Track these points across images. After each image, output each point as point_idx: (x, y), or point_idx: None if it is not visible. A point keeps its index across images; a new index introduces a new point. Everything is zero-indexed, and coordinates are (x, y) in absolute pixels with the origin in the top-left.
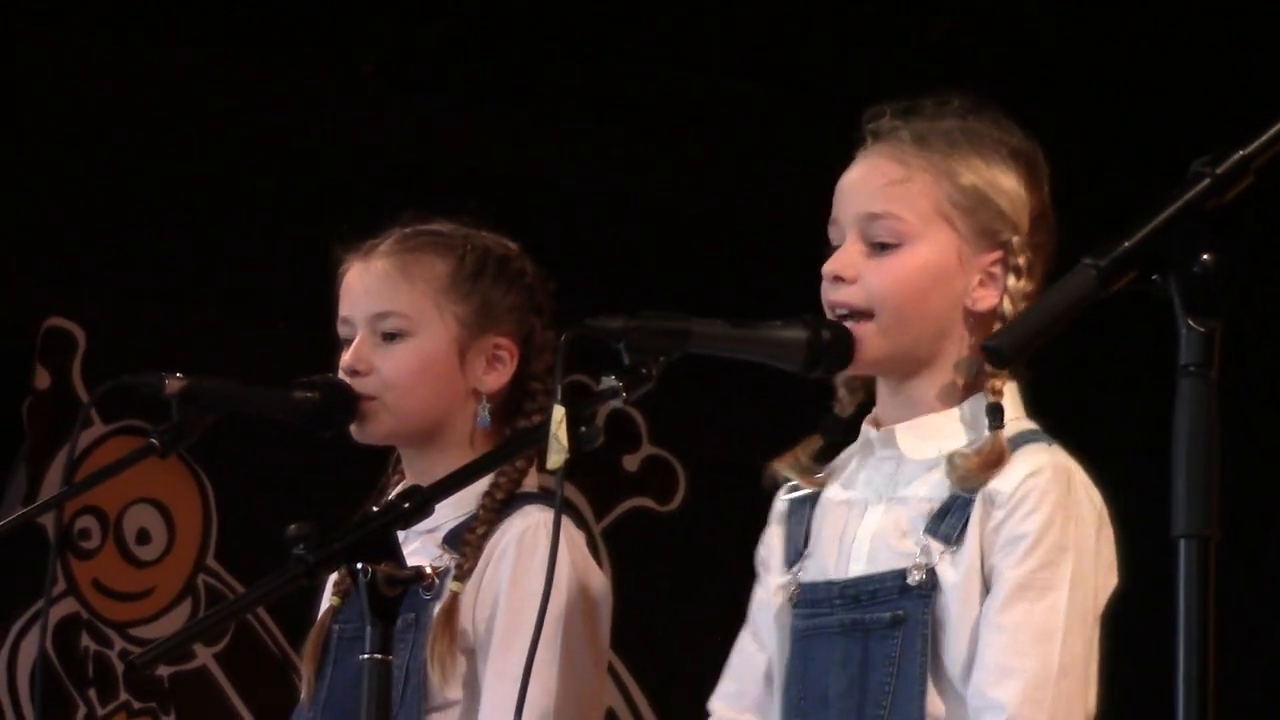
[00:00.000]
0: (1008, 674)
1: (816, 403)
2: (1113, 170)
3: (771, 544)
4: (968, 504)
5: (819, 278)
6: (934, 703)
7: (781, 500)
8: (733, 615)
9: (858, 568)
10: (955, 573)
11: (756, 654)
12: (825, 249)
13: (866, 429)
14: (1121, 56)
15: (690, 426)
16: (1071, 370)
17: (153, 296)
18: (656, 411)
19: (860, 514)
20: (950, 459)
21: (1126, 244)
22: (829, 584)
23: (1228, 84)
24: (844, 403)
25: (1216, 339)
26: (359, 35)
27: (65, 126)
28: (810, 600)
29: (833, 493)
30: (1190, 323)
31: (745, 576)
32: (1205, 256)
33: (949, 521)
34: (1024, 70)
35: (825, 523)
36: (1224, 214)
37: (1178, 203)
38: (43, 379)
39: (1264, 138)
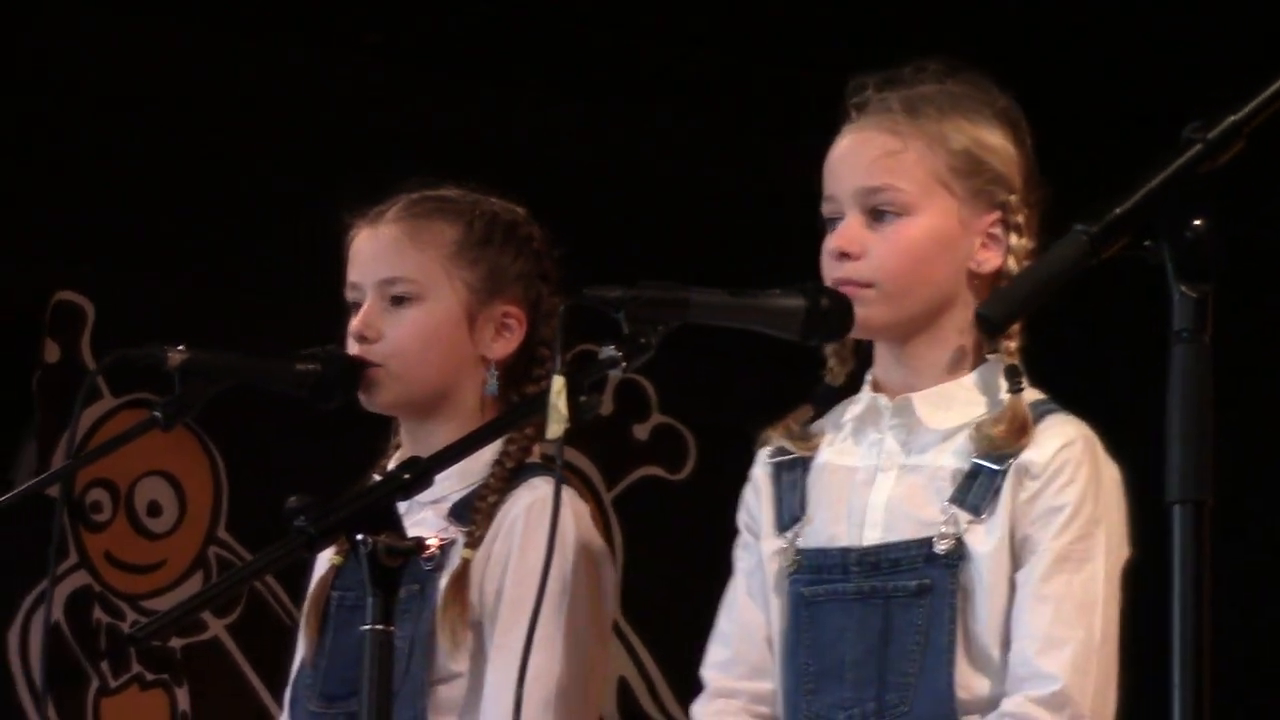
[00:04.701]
0: (1057, 644)
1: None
2: (1103, 137)
3: (757, 507)
4: (995, 474)
5: (817, 246)
6: (964, 672)
7: (765, 464)
8: None
9: (874, 535)
10: (987, 542)
11: (754, 616)
12: (820, 224)
13: (874, 396)
14: (1110, 21)
15: (700, 395)
16: (1064, 337)
17: (162, 270)
18: (666, 380)
19: (869, 481)
20: (978, 428)
21: (1118, 210)
22: (843, 551)
23: (1219, 48)
24: (835, 372)
25: (1209, 304)
26: (362, 6)
27: (74, 102)
28: (816, 567)
29: (829, 457)
30: (1183, 288)
31: None
32: (1197, 222)
33: (976, 491)
34: (1012, 35)
35: (825, 488)
36: (1216, 179)
37: (1170, 168)
38: (52, 353)
39: (1255, 102)
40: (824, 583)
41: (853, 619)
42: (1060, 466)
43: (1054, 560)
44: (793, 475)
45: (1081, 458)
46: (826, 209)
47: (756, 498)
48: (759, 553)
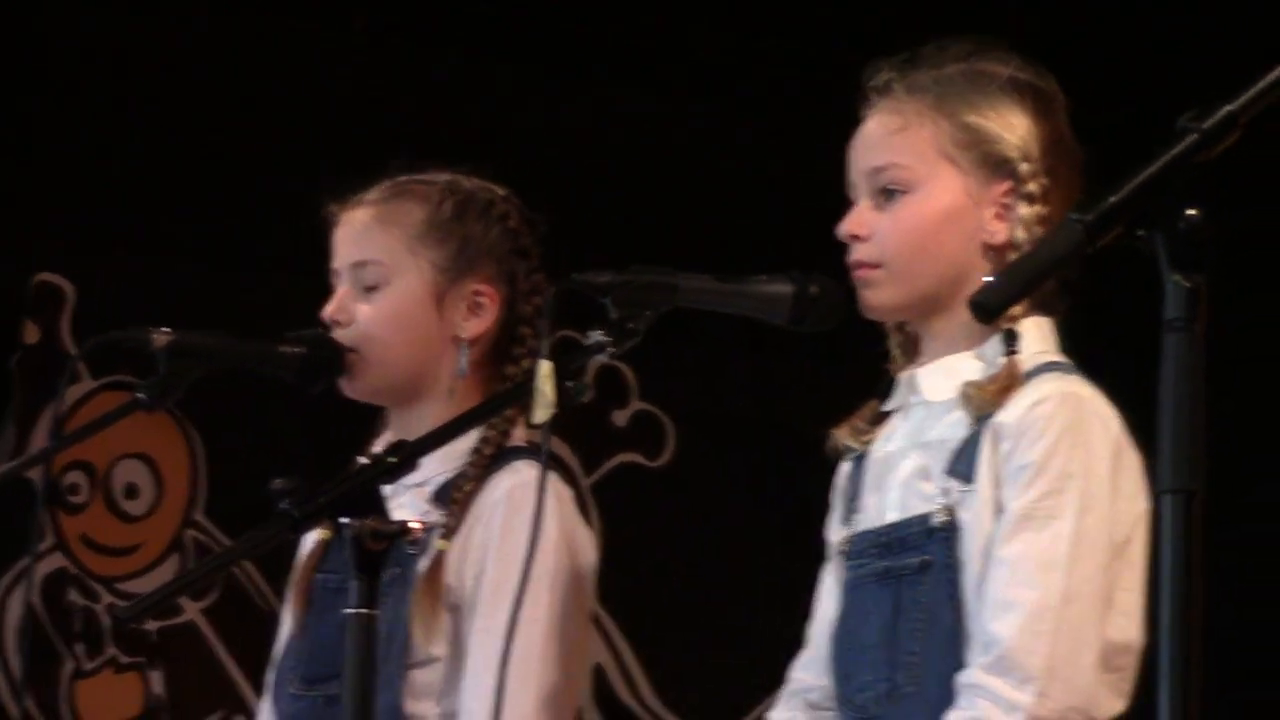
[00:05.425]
0: (1007, 607)
1: (808, 357)
2: (1100, 126)
3: (834, 510)
4: (979, 436)
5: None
6: (974, 650)
7: (843, 465)
8: (723, 569)
9: (892, 515)
10: (971, 510)
11: (829, 617)
12: (844, 210)
13: (899, 376)
14: (1111, 10)
15: (679, 381)
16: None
17: (142, 251)
18: (646, 366)
19: (897, 463)
20: (964, 390)
21: (1113, 199)
22: (865, 534)
23: (1215, 39)
24: (898, 362)
25: (1202, 294)
26: None
27: (53, 82)
28: (856, 552)
29: (878, 447)
30: (1176, 278)
31: (735, 531)
32: (1191, 212)
33: (964, 459)
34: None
35: (870, 476)
36: (1211, 170)
37: (1164, 158)
38: (32, 334)
39: (1250, 93)
40: (860, 567)
41: (871, 600)
42: (1030, 423)
43: (1017, 520)
44: (857, 470)
45: (1054, 413)
46: (851, 196)
47: (835, 499)
48: (833, 550)
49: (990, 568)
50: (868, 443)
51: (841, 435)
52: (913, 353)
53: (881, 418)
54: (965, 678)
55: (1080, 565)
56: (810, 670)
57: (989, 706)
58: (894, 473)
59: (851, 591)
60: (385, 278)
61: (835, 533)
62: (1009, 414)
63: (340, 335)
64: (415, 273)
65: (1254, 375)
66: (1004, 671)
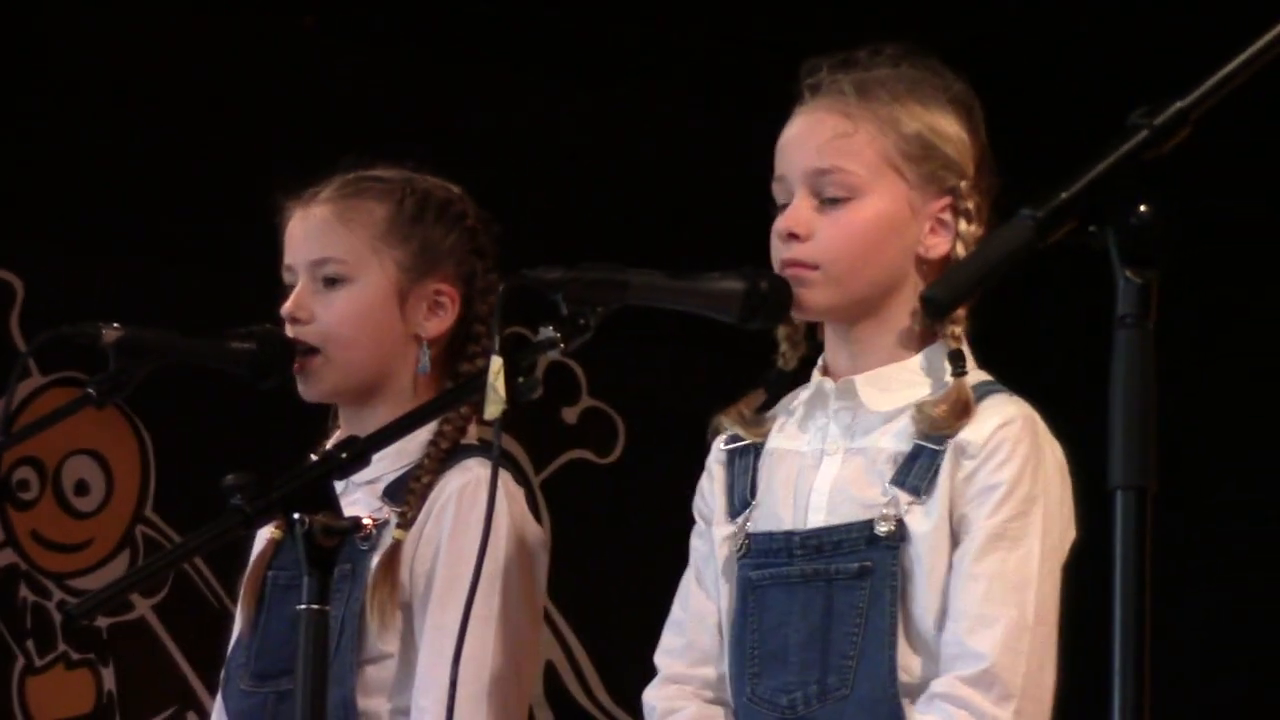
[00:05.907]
0: (986, 623)
1: (757, 354)
2: (1048, 122)
3: (711, 494)
4: (936, 454)
5: (761, 228)
6: (905, 654)
7: (720, 450)
8: (673, 566)
9: (818, 518)
10: (926, 523)
11: (705, 604)
12: (770, 206)
13: (821, 380)
14: (1062, 7)
15: (629, 378)
16: (1008, 321)
17: (92, 248)
18: (596, 363)
19: (815, 465)
20: (919, 408)
21: (1064, 195)
22: (787, 534)
23: (1164, 35)
24: (787, 356)
25: (1153, 290)
26: None
27: (3, 78)
28: (763, 550)
29: (779, 442)
30: (1127, 273)
31: (686, 527)
32: (1143, 208)
33: (916, 472)
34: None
35: (774, 473)
36: (1161, 165)
37: (1115, 154)
38: None
39: (1201, 89)
40: (769, 566)
41: (796, 602)
42: (998, 445)
43: (987, 539)
44: (745, 461)
45: (1020, 436)
46: (777, 190)
47: (711, 485)
48: (712, 540)
49: (962, 581)
50: (757, 435)
51: (727, 422)
52: (803, 348)
53: (769, 408)
54: (946, 686)
55: (1044, 586)
56: (683, 659)
57: (968, 718)
58: (814, 474)
59: (759, 591)
60: (346, 275)
61: (720, 526)
62: (973, 433)
63: (300, 333)
64: (379, 271)
65: (1221, 374)
66: (987, 687)
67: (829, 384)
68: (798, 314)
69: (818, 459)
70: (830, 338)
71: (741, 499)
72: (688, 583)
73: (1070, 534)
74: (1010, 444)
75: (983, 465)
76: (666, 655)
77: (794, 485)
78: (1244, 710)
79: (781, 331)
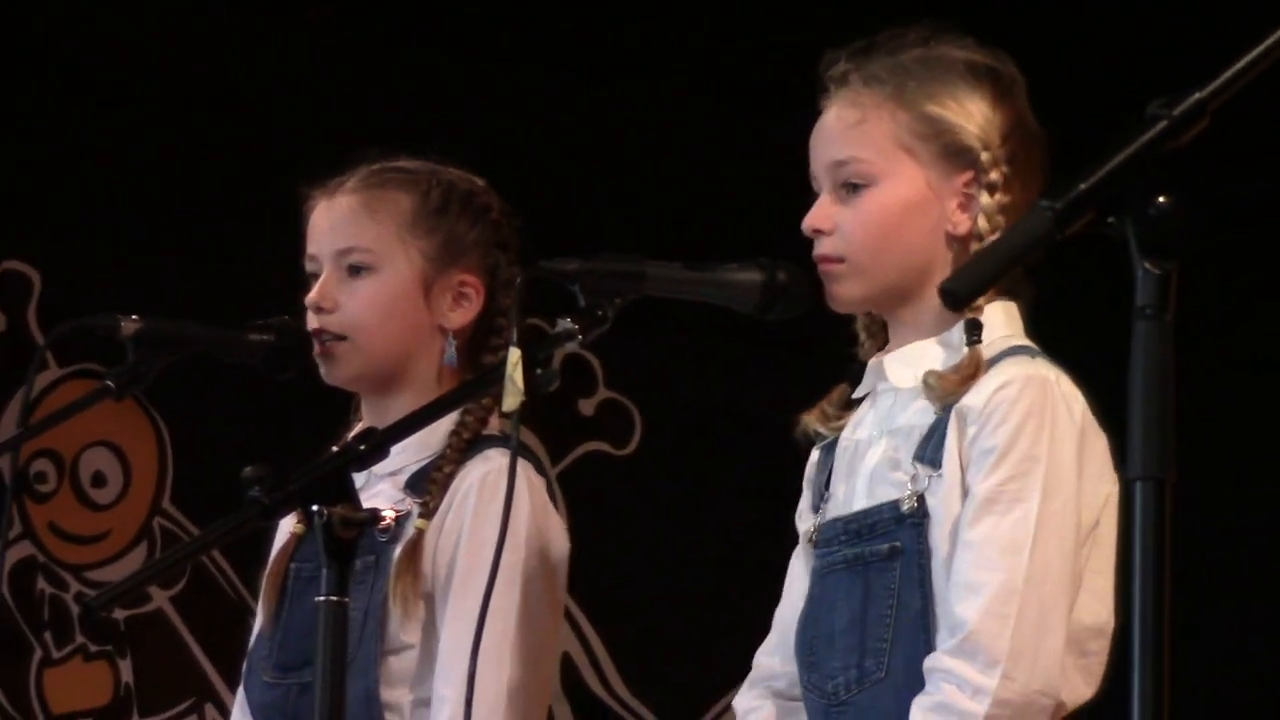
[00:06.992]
0: (972, 590)
1: (777, 347)
2: (1069, 113)
3: (805, 497)
4: (942, 423)
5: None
6: (943, 636)
7: (813, 453)
8: (690, 558)
9: (860, 503)
10: (940, 494)
11: (797, 603)
12: (809, 203)
13: (868, 362)
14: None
15: (646, 370)
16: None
17: (109, 239)
18: (612, 355)
19: (865, 451)
20: (926, 379)
21: (1083, 186)
22: (834, 521)
23: (1184, 26)
24: (866, 348)
25: (1172, 281)
26: None
27: (18, 71)
28: (825, 540)
29: (848, 434)
30: (1146, 265)
31: (701, 519)
32: (1161, 199)
33: (932, 445)
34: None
35: (840, 464)
36: (1180, 156)
37: (1134, 145)
38: None
39: (1220, 80)
40: (828, 554)
41: (842, 587)
42: (995, 407)
43: (981, 504)
44: (828, 457)
45: (1018, 396)
46: (815, 188)
47: (806, 488)
48: (803, 537)
49: (957, 551)
50: (837, 429)
51: (810, 420)
52: (881, 338)
53: (851, 403)
54: (931, 661)
55: (1044, 548)
56: (775, 656)
57: (954, 690)
58: (863, 460)
59: (820, 579)
60: (373, 265)
61: (804, 520)
62: (974, 398)
63: (325, 322)
64: (405, 261)
65: (1246, 371)
66: (969, 655)
67: (870, 364)
68: (834, 307)
69: (869, 445)
70: (888, 326)
71: (819, 494)
72: (786, 581)
73: (1102, 491)
74: (1006, 405)
75: (981, 429)
76: (763, 653)
77: (850, 472)
78: (1264, 700)
79: (860, 322)
